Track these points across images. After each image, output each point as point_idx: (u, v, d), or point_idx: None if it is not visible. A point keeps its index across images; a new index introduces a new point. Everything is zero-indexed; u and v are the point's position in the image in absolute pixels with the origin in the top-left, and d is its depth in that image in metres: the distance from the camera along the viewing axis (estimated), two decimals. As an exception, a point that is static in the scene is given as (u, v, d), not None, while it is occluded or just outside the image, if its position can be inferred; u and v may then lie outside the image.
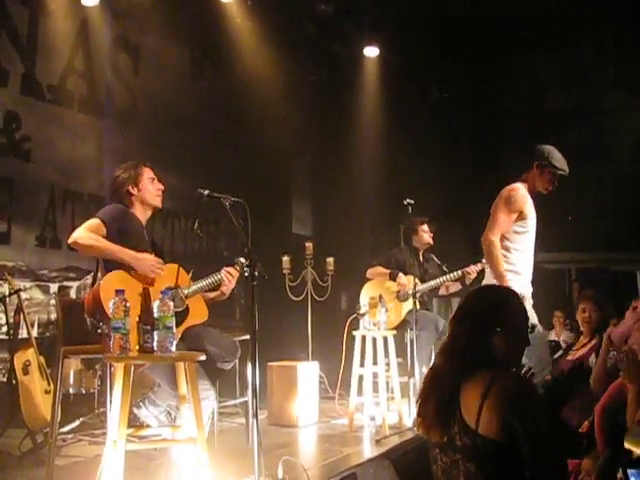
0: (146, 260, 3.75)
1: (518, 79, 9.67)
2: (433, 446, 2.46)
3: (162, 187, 4.06)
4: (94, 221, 3.79)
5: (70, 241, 3.73)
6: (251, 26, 7.91)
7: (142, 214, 4.03)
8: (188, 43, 8.00)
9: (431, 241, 6.44)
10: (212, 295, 4.07)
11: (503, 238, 4.43)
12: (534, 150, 4.23)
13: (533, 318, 4.23)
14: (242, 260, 3.84)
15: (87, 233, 3.71)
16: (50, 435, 3.89)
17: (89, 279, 5.78)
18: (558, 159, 4.20)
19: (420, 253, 6.46)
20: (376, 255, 6.72)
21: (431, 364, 5.99)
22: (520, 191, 4.40)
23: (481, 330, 2.47)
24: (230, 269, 3.96)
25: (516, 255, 4.47)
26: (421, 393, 2.56)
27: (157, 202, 4.05)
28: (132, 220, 3.95)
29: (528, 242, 4.49)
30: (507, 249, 4.43)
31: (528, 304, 4.31)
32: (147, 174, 4.03)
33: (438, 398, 2.43)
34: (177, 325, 3.55)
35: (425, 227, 6.43)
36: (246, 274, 3.67)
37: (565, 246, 9.80)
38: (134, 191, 3.98)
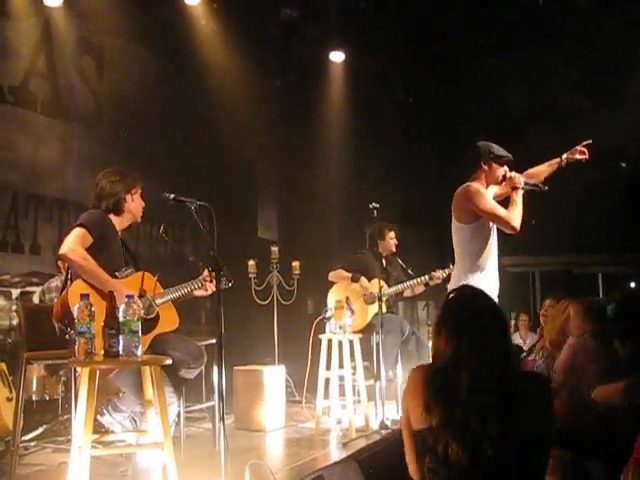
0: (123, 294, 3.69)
1: (483, 83, 9.78)
2: None
3: (144, 204, 4.10)
4: (80, 231, 3.72)
5: (61, 252, 3.68)
6: (216, 29, 7.89)
7: (123, 223, 4.03)
8: (153, 46, 7.94)
9: (394, 249, 6.47)
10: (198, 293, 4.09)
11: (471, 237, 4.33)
12: (476, 150, 4.27)
13: None
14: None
15: (80, 249, 3.65)
16: (12, 443, 3.83)
17: (53, 282, 5.71)
18: (499, 149, 4.27)
19: (383, 257, 6.48)
20: (340, 259, 6.74)
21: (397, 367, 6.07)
22: (478, 186, 4.32)
23: None
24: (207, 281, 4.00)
25: (482, 255, 4.39)
26: None
27: (139, 218, 4.09)
28: (110, 227, 3.94)
29: (492, 239, 4.42)
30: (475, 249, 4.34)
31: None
32: (139, 189, 4.08)
33: None
34: (147, 332, 3.53)
35: (392, 234, 6.45)
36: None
37: (528, 249, 9.93)
38: (129, 199, 3.99)
